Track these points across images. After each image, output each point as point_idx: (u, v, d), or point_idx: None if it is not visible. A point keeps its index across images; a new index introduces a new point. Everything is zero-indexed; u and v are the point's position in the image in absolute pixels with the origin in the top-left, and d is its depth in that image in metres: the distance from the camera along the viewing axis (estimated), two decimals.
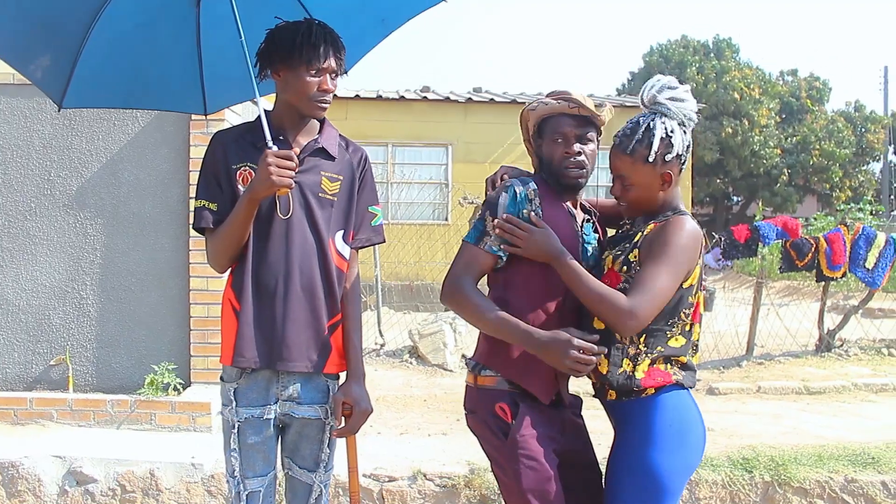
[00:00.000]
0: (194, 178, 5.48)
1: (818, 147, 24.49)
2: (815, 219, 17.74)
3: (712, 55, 25.54)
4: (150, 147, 5.66)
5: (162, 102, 3.10)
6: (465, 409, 2.61)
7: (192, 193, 5.49)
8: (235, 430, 2.48)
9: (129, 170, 5.67)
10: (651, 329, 2.34)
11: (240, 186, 2.47)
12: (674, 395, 2.38)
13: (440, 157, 14.13)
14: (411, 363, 7.84)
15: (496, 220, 2.41)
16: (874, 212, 18.59)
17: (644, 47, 27.70)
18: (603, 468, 2.55)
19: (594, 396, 2.56)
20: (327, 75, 2.43)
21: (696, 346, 2.49)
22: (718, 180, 25.43)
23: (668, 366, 2.39)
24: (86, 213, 5.68)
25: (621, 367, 2.37)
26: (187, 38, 2.69)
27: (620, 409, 2.42)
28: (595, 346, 2.28)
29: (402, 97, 13.98)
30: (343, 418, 2.52)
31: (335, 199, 2.53)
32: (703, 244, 2.41)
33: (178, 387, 5.49)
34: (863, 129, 26.67)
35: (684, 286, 2.36)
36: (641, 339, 2.36)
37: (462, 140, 13.99)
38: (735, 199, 28.49)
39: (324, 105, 2.47)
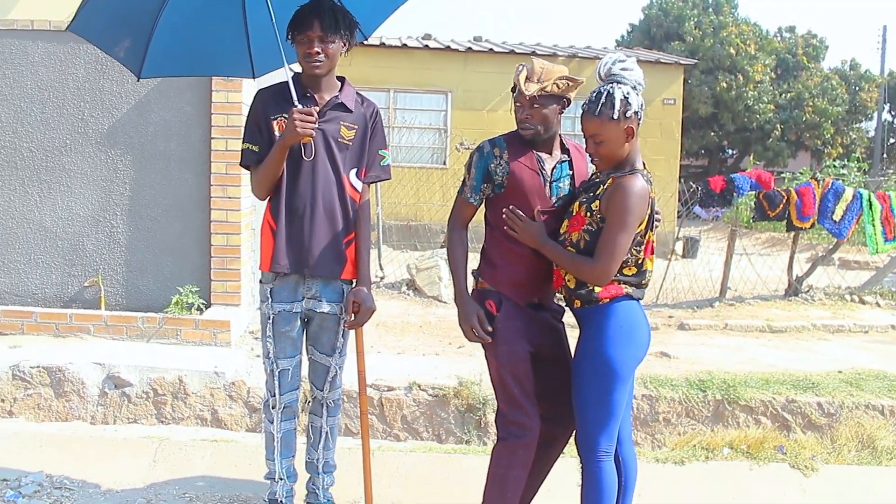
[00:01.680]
0: (216, 119, 6.16)
1: (811, 104, 24.88)
2: (802, 173, 18.31)
3: (710, 10, 25.74)
4: (176, 91, 6.20)
5: (217, 69, 3.79)
6: None
7: (214, 134, 6.14)
8: (270, 321, 3.19)
9: (157, 111, 6.22)
10: None
11: (276, 133, 3.14)
12: (624, 304, 3.02)
13: (440, 103, 14.61)
14: (409, 294, 8.50)
15: (504, 210, 3.07)
16: (861, 169, 19.16)
17: (644, 0, 27.78)
18: None
19: (565, 305, 3.21)
20: (315, 40, 3.05)
21: (648, 272, 3.11)
22: (713, 133, 25.88)
23: (621, 283, 3.02)
24: (116, 150, 6.25)
25: (586, 286, 3.00)
26: (236, 18, 3.34)
27: (583, 313, 3.07)
28: (483, 335, 3.06)
29: (405, 45, 14.39)
30: (353, 314, 3.21)
31: (351, 143, 3.21)
32: (651, 195, 3.00)
33: (201, 307, 6.13)
34: (857, 88, 27.02)
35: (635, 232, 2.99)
36: None
37: (461, 88, 14.45)
38: (729, 152, 28.95)
39: (314, 64, 3.10)
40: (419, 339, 6.78)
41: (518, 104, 3.07)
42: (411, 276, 8.60)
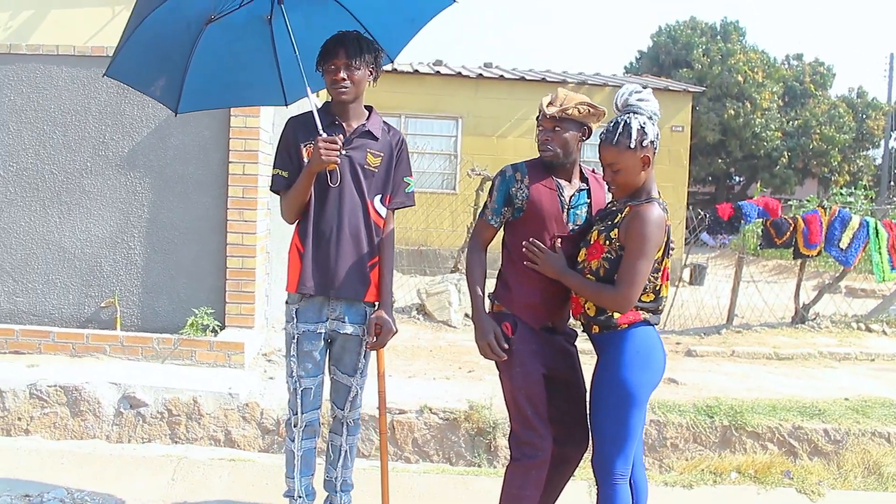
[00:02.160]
0: (234, 144, 6.30)
1: (819, 131, 25.03)
2: (809, 201, 18.39)
3: (719, 38, 26.00)
4: (195, 116, 6.27)
5: (251, 100, 3.97)
6: None
7: (232, 158, 6.28)
8: (295, 341, 3.29)
9: (176, 135, 6.36)
10: None
11: (305, 158, 3.27)
12: (641, 330, 3.11)
13: (450, 129, 14.76)
14: (419, 319, 8.58)
15: (524, 242, 3.17)
16: (868, 196, 19.26)
17: (653, 27, 28.08)
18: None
19: (583, 331, 3.30)
20: (341, 68, 3.21)
21: (664, 298, 3.20)
22: (720, 160, 26.01)
23: (639, 309, 3.11)
24: (135, 172, 6.38)
25: (606, 312, 3.09)
26: (265, 49, 3.49)
27: (601, 339, 3.16)
28: (499, 352, 3.13)
29: (416, 71, 14.57)
30: (375, 336, 3.31)
31: (377, 170, 3.34)
32: (666, 223, 3.10)
33: (216, 329, 6.23)
34: (863, 116, 27.17)
35: None
36: None
37: (472, 114, 14.60)
38: (736, 179, 29.08)
39: (341, 90, 3.25)
40: (429, 364, 6.85)
41: (540, 128, 3.20)
42: (421, 301, 8.69)
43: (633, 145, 2.98)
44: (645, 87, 3.14)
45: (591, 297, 3.07)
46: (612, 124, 3.05)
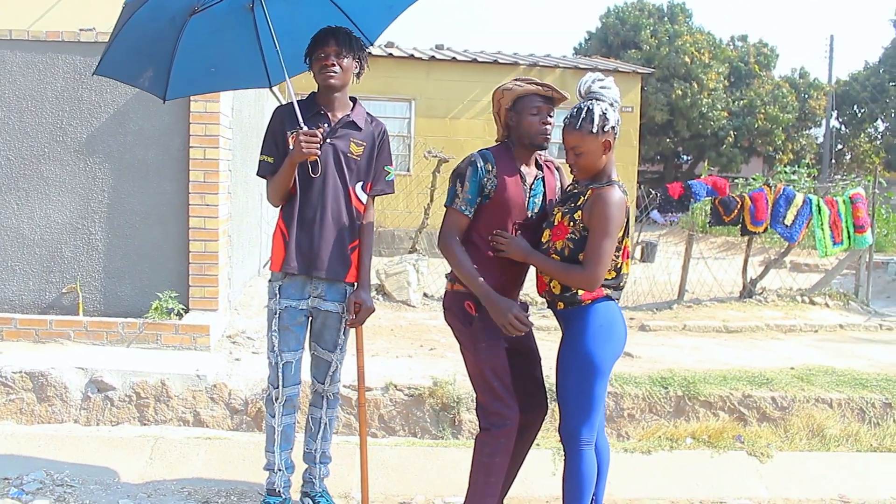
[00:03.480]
0: (194, 129, 6.32)
1: (763, 111, 25.64)
2: (755, 179, 18.87)
3: (666, 19, 26.42)
4: (154, 100, 6.12)
5: (235, 84, 4.14)
6: (443, 308, 3.52)
7: (192, 143, 6.31)
8: (277, 316, 3.44)
9: (135, 120, 6.36)
10: None
11: (291, 145, 3.42)
12: (604, 304, 3.28)
13: (404, 111, 14.86)
14: (378, 299, 8.68)
15: (492, 233, 3.29)
16: (810, 174, 19.83)
17: (601, 9, 28.38)
18: (549, 360, 3.47)
19: (548, 307, 3.45)
20: (331, 55, 3.39)
21: (625, 275, 3.37)
22: (668, 140, 26.50)
23: (602, 286, 3.28)
24: (95, 158, 6.37)
25: (570, 290, 3.25)
26: (248, 35, 3.61)
27: (566, 314, 3.32)
28: (527, 321, 3.23)
29: (369, 53, 14.54)
30: (354, 314, 3.48)
31: (359, 159, 3.50)
32: (626, 204, 3.27)
33: (181, 312, 6.27)
34: (806, 96, 27.90)
35: None
36: None
37: (424, 96, 14.71)
38: (684, 157, 29.64)
39: (330, 75, 3.41)
40: (391, 342, 6.98)
41: (535, 112, 3.28)
42: (380, 282, 8.79)
43: (595, 130, 3.15)
44: (608, 75, 3.30)
45: (560, 276, 3.22)
46: (575, 109, 3.20)
